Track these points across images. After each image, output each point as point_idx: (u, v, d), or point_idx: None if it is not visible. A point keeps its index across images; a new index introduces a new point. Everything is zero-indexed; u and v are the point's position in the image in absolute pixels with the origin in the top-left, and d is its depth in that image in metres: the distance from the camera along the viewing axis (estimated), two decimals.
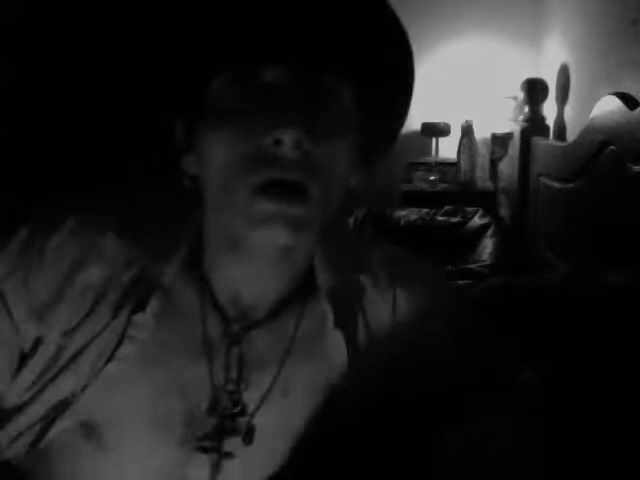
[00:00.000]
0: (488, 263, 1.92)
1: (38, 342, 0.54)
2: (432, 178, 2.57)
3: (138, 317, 0.54)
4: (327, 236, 0.59)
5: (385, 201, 2.33)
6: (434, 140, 2.63)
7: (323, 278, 0.58)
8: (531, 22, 2.55)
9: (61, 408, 0.53)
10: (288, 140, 0.46)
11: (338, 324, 0.57)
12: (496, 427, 0.52)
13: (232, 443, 0.54)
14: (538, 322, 0.86)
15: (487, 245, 2.03)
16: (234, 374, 0.55)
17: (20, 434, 0.53)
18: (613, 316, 0.80)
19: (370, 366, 0.58)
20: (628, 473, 0.54)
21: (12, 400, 0.53)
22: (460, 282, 1.32)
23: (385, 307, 0.60)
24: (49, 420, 0.53)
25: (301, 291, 0.58)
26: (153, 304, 0.54)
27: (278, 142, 0.47)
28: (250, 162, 0.48)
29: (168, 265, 0.55)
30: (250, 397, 0.55)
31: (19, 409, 0.53)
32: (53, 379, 0.53)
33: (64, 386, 0.53)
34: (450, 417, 0.54)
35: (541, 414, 0.55)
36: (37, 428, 0.53)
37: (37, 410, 0.53)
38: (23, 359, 0.54)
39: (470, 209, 2.21)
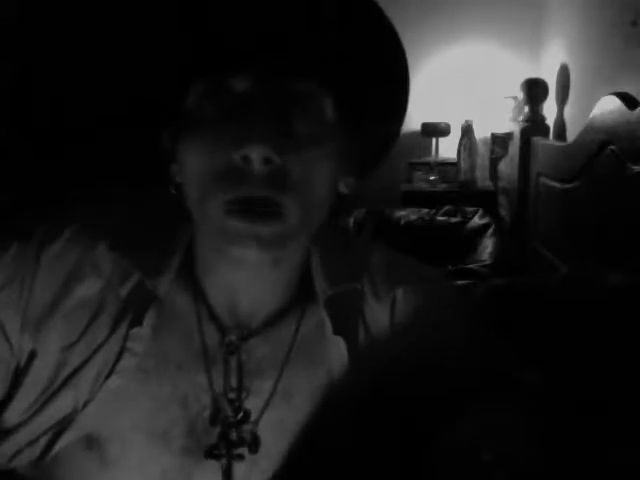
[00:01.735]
0: (488, 263, 1.92)
1: (32, 356, 0.53)
2: (432, 178, 2.58)
3: (136, 330, 0.53)
4: (323, 243, 0.59)
5: (385, 201, 2.33)
6: (434, 140, 2.64)
7: (321, 286, 0.57)
8: (531, 24, 2.56)
9: (65, 423, 0.52)
10: (255, 157, 0.46)
11: (337, 331, 0.56)
12: (493, 428, 0.52)
13: (237, 451, 0.54)
14: (538, 323, 0.86)
15: (487, 245, 2.03)
16: (234, 382, 0.55)
17: (20, 450, 0.52)
18: (613, 317, 0.80)
19: (371, 370, 0.57)
20: (629, 473, 0.54)
21: (12, 420, 0.53)
22: (460, 282, 1.32)
23: (384, 311, 0.59)
24: (55, 434, 0.52)
25: (299, 299, 0.58)
26: (150, 316, 0.54)
27: (246, 159, 0.46)
28: (220, 178, 0.47)
29: (163, 276, 0.55)
30: (252, 405, 0.55)
31: (18, 426, 0.52)
32: (53, 396, 0.52)
33: (64, 402, 0.52)
34: (449, 418, 0.54)
35: (542, 415, 0.55)
36: (42, 443, 0.52)
37: (38, 426, 0.52)
38: (19, 374, 0.53)
39: (470, 209, 2.21)
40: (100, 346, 0.53)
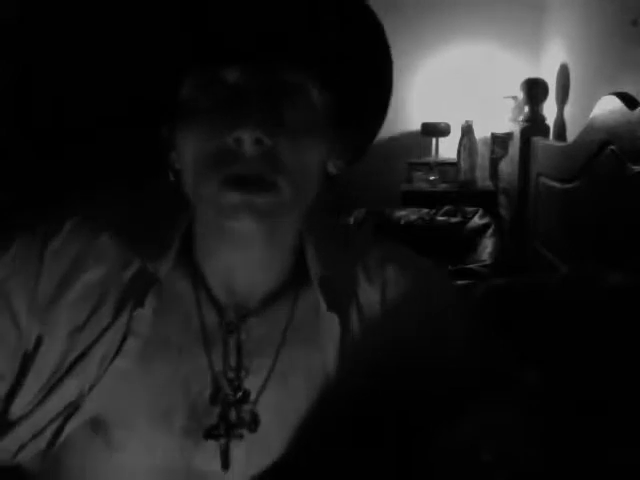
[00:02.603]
0: (488, 263, 1.92)
1: (39, 341, 0.55)
2: (432, 178, 2.58)
3: (139, 312, 0.55)
4: (319, 233, 0.61)
5: (385, 201, 2.33)
6: (434, 140, 2.63)
7: (315, 270, 0.59)
8: (531, 24, 2.55)
9: (71, 409, 0.53)
10: (247, 138, 0.48)
11: (331, 306, 0.58)
12: (493, 428, 0.52)
13: (237, 432, 0.55)
14: (538, 322, 0.86)
15: (487, 245, 2.03)
16: (233, 362, 0.56)
17: (24, 445, 0.53)
18: (613, 316, 0.80)
19: (363, 353, 0.58)
20: (629, 473, 0.54)
21: (17, 413, 0.54)
22: (460, 282, 1.32)
23: (376, 294, 0.61)
24: (60, 423, 0.53)
25: (294, 281, 0.59)
26: (151, 299, 0.56)
27: (238, 141, 0.48)
28: (215, 160, 0.50)
29: (163, 261, 0.57)
30: (251, 383, 0.56)
31: (20, 419, 0.53)
32: (58, 383, 0.54)
33: (69, 390, 0.54)
34: (447, 417, 0.54)
35: (542, 415, 0.56)
36: (48, 434, 0.53)
37: (43, 416, 0.53)
38: (26, 359, 0.55)
39: (470, 209, 2.21)
40: (105, 331, 0.55)
